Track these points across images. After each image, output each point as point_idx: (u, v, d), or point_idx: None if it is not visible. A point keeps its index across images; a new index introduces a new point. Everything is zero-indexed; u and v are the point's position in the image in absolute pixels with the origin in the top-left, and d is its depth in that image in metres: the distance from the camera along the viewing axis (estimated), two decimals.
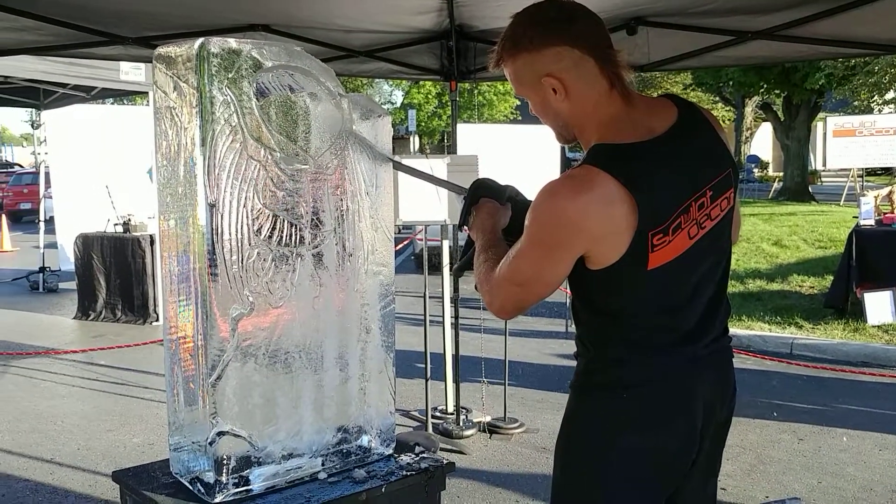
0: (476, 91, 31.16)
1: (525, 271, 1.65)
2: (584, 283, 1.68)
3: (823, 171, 25.54)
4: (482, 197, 1.99)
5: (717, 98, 28.16)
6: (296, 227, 1.95)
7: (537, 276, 1.64)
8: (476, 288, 1.80)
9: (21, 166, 31.63)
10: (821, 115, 23.49)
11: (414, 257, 12.09)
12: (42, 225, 10.72)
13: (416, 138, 33.37)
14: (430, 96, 34.38)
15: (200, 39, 1.80)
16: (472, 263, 1.85)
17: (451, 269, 4.54)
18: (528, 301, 1.70)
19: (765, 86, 21.21)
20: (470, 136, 8.81)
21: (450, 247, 5.01)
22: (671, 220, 1.59)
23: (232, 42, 1.84)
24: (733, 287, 9.00)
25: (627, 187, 1.54)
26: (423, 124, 34.97)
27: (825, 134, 18.35)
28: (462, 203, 2.03)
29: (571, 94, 1.67)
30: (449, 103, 5.72)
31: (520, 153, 7.66)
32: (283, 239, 1.93)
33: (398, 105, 37.69)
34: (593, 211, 1.55)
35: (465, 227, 2.00)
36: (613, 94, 1.67)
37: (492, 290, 1.72)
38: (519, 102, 32.51)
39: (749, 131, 31.49)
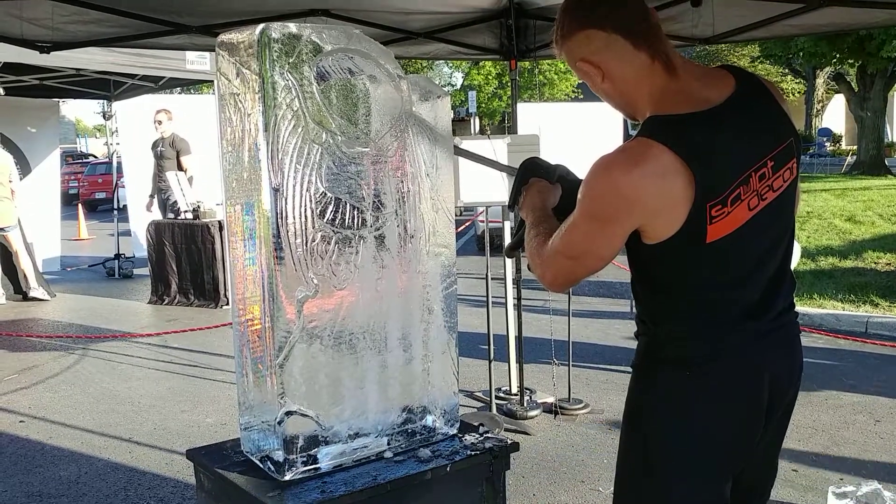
0: (536, 70, 30.84)
1: (578, 245, 1.64)
2: (643, 259, 1.66)
3: None
4: (532, 176, 1.98)
5: (787, 70, 27.29)
6: (358, 210, 1.97)
7: (590, 249, 1.63)
8: (528, 268, 1.79)
9: (95, 157, 32.67)
10: None
11: (476, 239, 12.08)
12: (116, 213, 11.08)
13: (477, 120, 33.23)
14: (490, 77, 34.17)
15: (261, 25, 1.82)
16: (524, 243, 1.85)
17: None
18: (580, 274, 1.69)
19: (837, 55, 20.39)
20: (531, 115, 8.73)
21: (511, 228, 4.99)
22: (730, 191, 1.56)
23: (292, 27, 1.85)
24: (804, 265, 8.74)
25: (683, 158, 1.51)
26: (483, 105, 34.79)
27: None
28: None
29: (609, 74, 1.67)
30: (509, 84, 5.68)
31: (582, 131, 7.56)
32: (346, 221, 1.95)
33: (458, 87, 37.58)
34: (648, 184, 1.52)
35: (516, 207, 1.99)
36: (656, 67, 1.64)
37: (544, 263, 1.72)
38: (580, 80, 32.05)
39: (820, 104, 30.45)
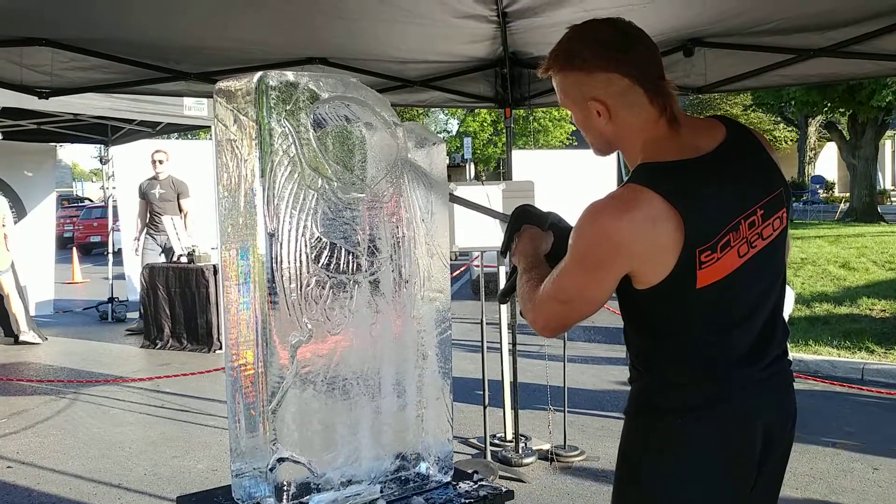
0: (531, 117, 31.20)
1: (569, 290, 1.64)
2: (634, 304, 1.67)
3: (893, 190, 24.77)
4: (524, 224, 1.99)
5: (779, 118, 27.64)
6: (353, 255, 1.98)
7: (581, 294, 1.64)
8: (521, 314, 1.80)
9: (91, 200, 32.76)
10: (889, 132, 22.86)
11: (471, 283, 12.08)
12: (111, 257, 11.06)
13: (472, 166, 33.49)
14: (485, 124, 34.54)
15: (259, 73, 1.85)
16: (517, 289, 1.86)
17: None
18: (572, 319, 1.69)
19: (828, 104, 20.69)
20: (525, 162, 8.81)
21: (506, 273, 4.99)
22: (719, 237, 1.57)
23: (289, 75, 1.88)
24: (799, 311, 8.74)
25: (673, 203, 1.53)
26: (478, 152, 35.10)
27: (894, 152, 17.82)
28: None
29: (615, 119, 1.67)
30: (504, 130, 5.76)
31: (576, 178, 7.63)
32: (341, 266, 1.95)
33: (454, 133, 37.96)
34: (638, 230, 1.53)
35: (509, 254, 2.01)
36: (661, 122, 1.66)
37: (535, 308, 1.72)
38: (575, 128, 32.41)
39: (813, 152, 30.79)
